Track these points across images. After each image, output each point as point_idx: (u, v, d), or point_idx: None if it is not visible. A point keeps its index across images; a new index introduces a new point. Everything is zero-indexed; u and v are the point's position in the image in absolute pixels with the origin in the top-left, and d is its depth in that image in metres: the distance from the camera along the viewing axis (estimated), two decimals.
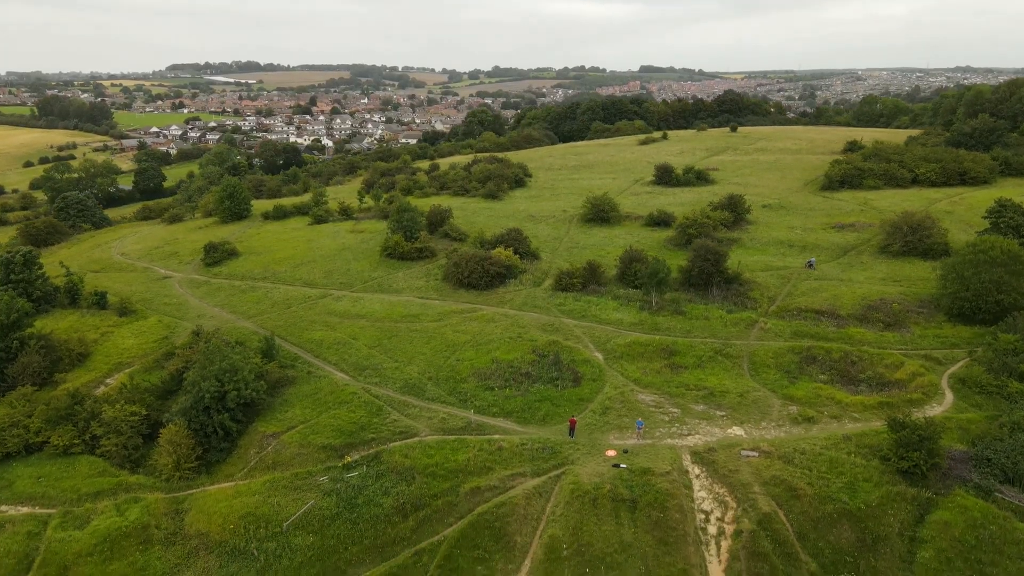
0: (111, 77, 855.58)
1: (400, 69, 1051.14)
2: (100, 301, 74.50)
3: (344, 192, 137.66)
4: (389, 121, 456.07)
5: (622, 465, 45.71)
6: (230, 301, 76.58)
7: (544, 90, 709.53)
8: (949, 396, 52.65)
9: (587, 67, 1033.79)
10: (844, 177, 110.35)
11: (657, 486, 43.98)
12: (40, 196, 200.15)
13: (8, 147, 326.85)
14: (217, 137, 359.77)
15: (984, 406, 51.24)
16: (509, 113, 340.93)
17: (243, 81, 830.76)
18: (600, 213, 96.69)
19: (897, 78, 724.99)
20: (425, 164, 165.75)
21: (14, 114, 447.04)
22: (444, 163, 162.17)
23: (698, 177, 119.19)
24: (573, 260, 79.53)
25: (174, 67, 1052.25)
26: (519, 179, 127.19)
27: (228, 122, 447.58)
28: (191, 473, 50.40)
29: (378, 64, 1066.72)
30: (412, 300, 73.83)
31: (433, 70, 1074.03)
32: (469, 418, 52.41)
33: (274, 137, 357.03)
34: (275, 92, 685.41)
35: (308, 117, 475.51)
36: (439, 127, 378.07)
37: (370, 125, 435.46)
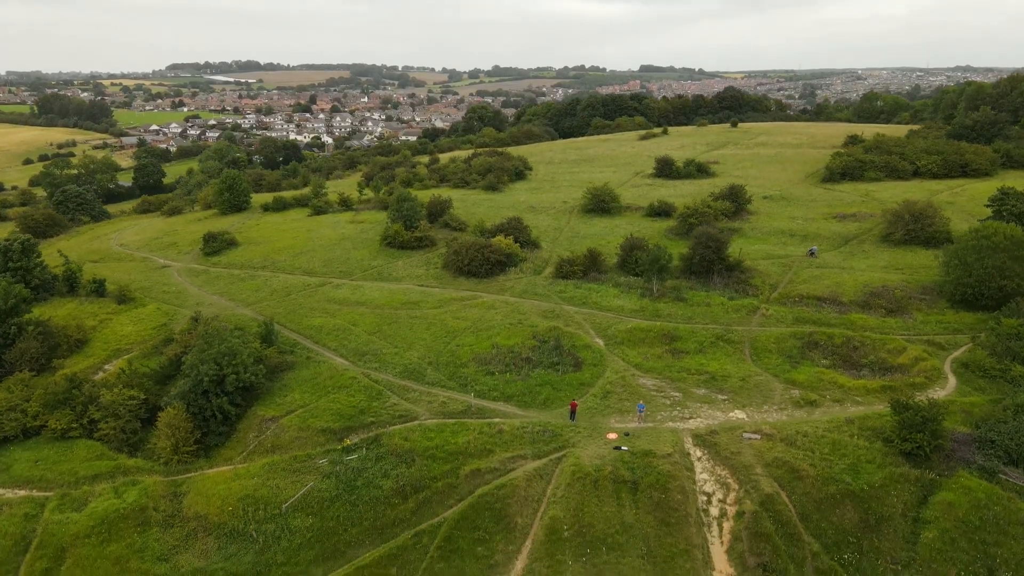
0: (111, 77, 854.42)
1: (400, 68, 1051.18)
2: (98, 289, 74.20)
3: (344, 186, 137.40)
4: (389, 119, 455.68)
5: (623, 448, 45.41)
6: (229, 289, 76.31)
7: (544, 89, 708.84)
8: (952, 380, 52.36)
9: (587, 67, 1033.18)
10: (845, 169, 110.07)
11: (659, 468, 43.67)
12: (40, 192, 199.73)
13: (8, 145, 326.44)
14: (217, 135, 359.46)
15: (987, 390, 50.96)
16: (509, 112, 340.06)
17: (243, 80, 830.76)
18: (601, 204, 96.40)
19: (897, 77, 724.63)
20: (425, 159, 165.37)
21: (14, 112, 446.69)
22: (444, 157, 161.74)
23: (699, 170, 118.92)
24: (574, 249, 79.21)
25: (174, 66, 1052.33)
26: (519, 172, 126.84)
27: (228, 120, 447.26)
28: (189, 457, 50.09)
29: (378, 63, 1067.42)
30: (412, 288, 73.54)
31: (433, 69, 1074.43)
32: (469, 402, 52.12)
33: (274, 135, 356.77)
34: (275, 91, 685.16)
35: (308, 115, 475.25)
36: (439, 125, 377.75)
37: (370, 123, 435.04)
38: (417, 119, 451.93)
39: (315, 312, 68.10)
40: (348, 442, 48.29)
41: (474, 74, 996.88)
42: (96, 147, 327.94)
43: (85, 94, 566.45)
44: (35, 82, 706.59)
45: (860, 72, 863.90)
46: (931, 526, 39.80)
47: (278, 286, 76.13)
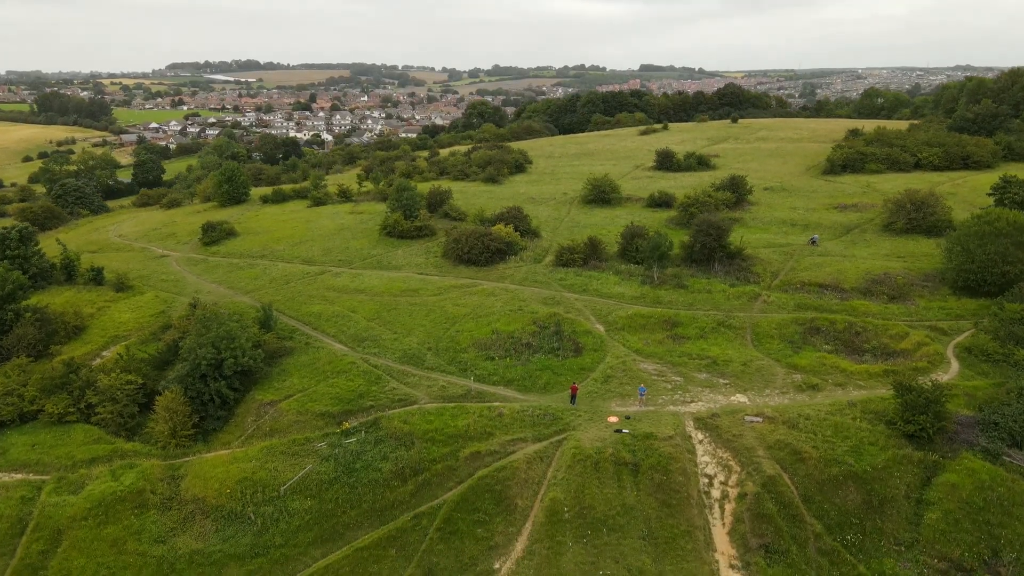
0: (111, 76, 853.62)
1: (400, 68, 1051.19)
2: (97, 277, 73.87)
3: (343, 180, 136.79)
4: (389, 117, 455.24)
5: (624, 430, 45.08)
6: (228, 277, 75.98)
7: (544, 89, 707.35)
8: (955, 365, 52.04)
9: (587, 66, 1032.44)
10: (846, 161, 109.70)
11: (660, 450, 43.36)
12: (39, 189, 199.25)
13: (7, 142, 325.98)
14: (216, 132, 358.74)
15: (990, 374, 50.63)
16: (509, 110, 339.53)
17: (243, 79, 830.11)
18: (601, 194, 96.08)
19: (897, 76, 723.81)
20: (425, 154, 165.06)
21: (13, 110, 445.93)
22: (444, 152, 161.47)
23: (699, 162, 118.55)
24: (574, 238, 78.84)
25: (174, 66, 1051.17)
26: (519, 164, 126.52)
27: (228, 118, 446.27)
28: (187, 441, 49.73)
29: (378, 63, 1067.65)
30: (411, 276, 73.20)
31: (433, 69, 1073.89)
32: (469, 386, 51.79)
33: (274, 132, 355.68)
34: (275, 90, 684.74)
35: (308, 113, 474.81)
36: (439, 122, 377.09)
37: (370, 121, 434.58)
38: (417, 117, 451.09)
39: (314, 299, 67.76)
40: (347, 425, 47.97)
41: (474, 73, 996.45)
42: (95, 144, 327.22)
43: (85, 93, 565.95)
44: (35, 81, 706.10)
45: (860, 71, 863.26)
46: (934, 507, 39.49)
47: (277, 274, 75.79)
